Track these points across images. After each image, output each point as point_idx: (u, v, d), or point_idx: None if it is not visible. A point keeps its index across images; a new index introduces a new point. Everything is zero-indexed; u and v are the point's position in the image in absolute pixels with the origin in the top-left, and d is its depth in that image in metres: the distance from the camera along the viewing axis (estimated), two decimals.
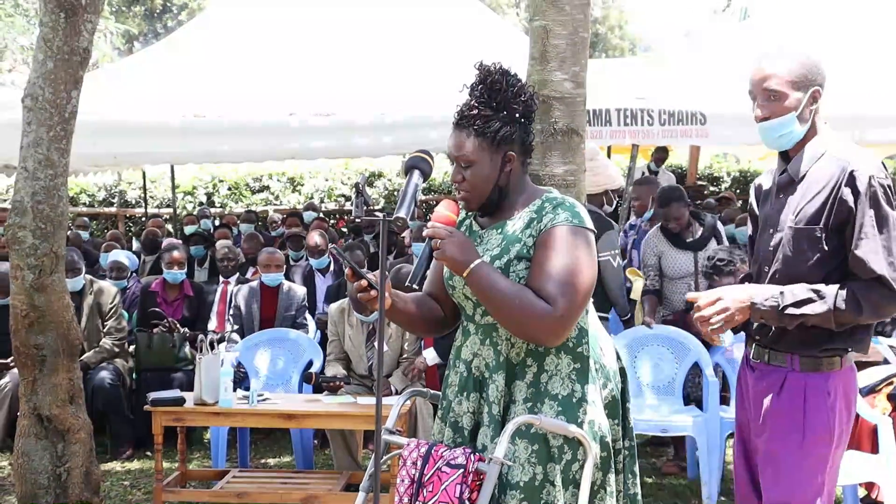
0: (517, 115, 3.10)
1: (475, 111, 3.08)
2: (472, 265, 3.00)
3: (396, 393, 6.42)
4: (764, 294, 3.23)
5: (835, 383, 3.27)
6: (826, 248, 3.22)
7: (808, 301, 3.16)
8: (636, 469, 3.37)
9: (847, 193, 3.16)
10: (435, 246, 3.02)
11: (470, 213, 3.31)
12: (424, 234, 3.06)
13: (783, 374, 3.32)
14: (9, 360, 7.42)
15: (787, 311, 3.17)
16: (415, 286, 3.06)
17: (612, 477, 3.16)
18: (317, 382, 6.71)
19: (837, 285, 3.16)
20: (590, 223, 3.11)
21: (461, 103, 3.14)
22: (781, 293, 3.19)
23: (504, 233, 3.15)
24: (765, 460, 3.34)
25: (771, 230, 3.38)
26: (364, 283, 3.06)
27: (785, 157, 3.38)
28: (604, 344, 3.24)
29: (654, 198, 7.72)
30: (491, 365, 3.14)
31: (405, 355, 6.88)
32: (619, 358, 3.33)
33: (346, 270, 3.11)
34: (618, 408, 3.24)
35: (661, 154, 12.65)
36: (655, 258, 6.97)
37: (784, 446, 3.28)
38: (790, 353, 3.30)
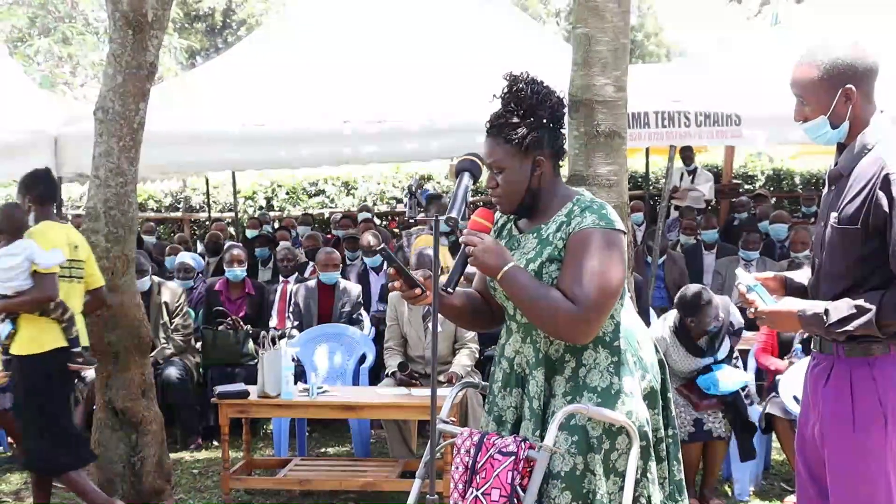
0: (544, 121, 3.10)
1: (503, 119, 3.09)
2: (503, 269, 3.01)
3: (459, 379, 6.42)
4: (809, 310, 3.07)
5: (883, 369, 3.04)
6: (866, 248, 3.03)
7: (851, 318, 2.99)
8: (680, 456, 3.35)
9: (881, 198, 2.97)
10: (468, 253, 3.03)
11: (511, 217, 3.31)
12: (460, 241, 3.08)
13: (831, 361, 3.15)
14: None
15: (831, 329, 3.02)
16: (449, 290, 3.07)
17: (653, 465, 3.14)
18: (406, 374, 6.69)
19: (880, 295, 2.97)
20: (619, 224, 3.08)
21: (492, 113, 3.15)
22: (826, 311, 3.03)
23: (539, 237, 3.14)
24: (825, 454, 3.15)
25: (822, 223, 3.21)
26: (403, 283, 3.09)
27: (842, 147, 3.19)
28: (640, 337, 3.22)
29: None
30: (531, 362, 3.14)
31: (459, 342, 6.86)
32: (657, 350, 3.31)
33: (390, 270, 3.13)
34: (657, 398, 3.22)
35: (686, 153, 12.47)
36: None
37: (835, 436, 3.11)
38: (835, 340, 3.10)
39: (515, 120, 3.07)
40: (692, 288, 6.03)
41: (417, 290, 3.10)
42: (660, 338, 6.03)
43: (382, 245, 3.19)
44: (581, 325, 2.96)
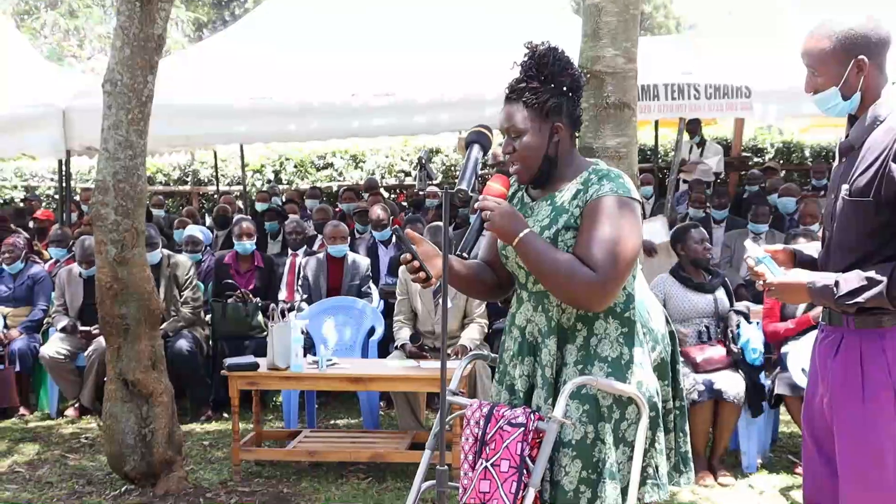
0: (564, 88, 3.10)
1: (524, 84, 3.10)
2: (520, 235, 3.00)
3: (469, 351, 6.45)
4: (819, 282, 3.07)
5: (893, 340, 3.03)
6: (878, 220, 3.01)
7: (862, 290, 2.98)
8: (686, 428, 3.37)
9: (894, 169, 2.95)
10: (485, 217, 3.03)
11: (522, 186, 3.30)
12: (475, 206, 3.07)
13: (841, 333, 3.15)
14: (92, 328, 7.57)
15: (841, 301, 3.02)
16: (465, 255, 3.09)
17: (661, 435, 3.16)
18: (417, 346, 6.78)
19: (891, 266, 2.97)
20: (635, 193, 3.09)
21: (512, 80, 3.15)
22: (836, 283, 3.02)
23: (553, 204, 3.14)
24: (833, 425, 3.15)
25: (833, 195, 3.19)
26: (416, 264, 3.10)
27: (853, 119, 3.18)
28: (651, 308, 3.22)
29: None
30: (543, 330, 3.14)
31: (468, 317, 6.88)
32: (668, 322, 3.31)
33: (404, 256, 3.14)
34: (667, 369, 3.23)
35: (692, 125, 12.40)
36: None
37: (844, 407, 3.11)
38: (846, 312, 3.10)
39: (536, 85, 3.08)
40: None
41: (423, 275, 3.12)
42: (658, 281, 6.20)
43: (396, 227, 3.19)
44: (598, 292, 2.95)
